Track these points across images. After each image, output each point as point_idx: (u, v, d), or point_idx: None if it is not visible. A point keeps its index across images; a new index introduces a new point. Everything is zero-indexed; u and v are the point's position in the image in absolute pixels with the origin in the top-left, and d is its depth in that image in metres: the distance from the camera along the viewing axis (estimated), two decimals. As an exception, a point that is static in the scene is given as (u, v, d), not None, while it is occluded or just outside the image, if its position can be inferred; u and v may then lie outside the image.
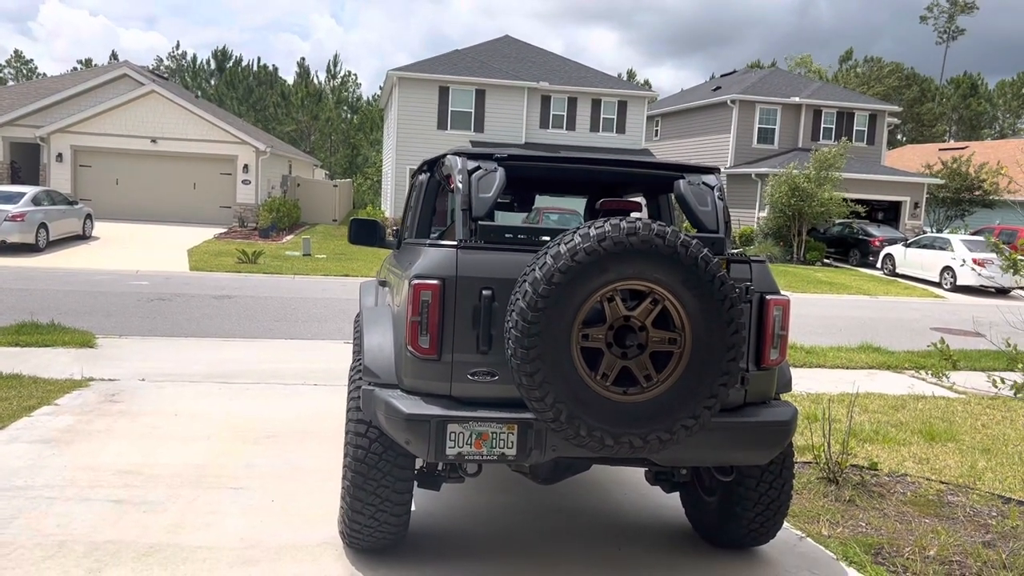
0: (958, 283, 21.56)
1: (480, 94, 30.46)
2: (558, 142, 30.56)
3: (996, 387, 5.86)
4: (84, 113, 26.84)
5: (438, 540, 4.28)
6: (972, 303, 19.52)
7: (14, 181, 26.92)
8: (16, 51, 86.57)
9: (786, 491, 4.05)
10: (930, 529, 4.71)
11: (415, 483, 3.79)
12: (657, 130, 39.38)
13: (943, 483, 5.57)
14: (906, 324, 15.05)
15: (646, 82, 73.46)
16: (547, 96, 31.29)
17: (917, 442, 6.58)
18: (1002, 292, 21.26)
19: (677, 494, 4.63)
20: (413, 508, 4.04)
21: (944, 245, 22.84)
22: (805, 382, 8.30)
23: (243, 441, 5.77)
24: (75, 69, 60.36)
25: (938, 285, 22.35)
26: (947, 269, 22.09)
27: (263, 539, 4.16)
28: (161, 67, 64.68)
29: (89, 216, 21.87)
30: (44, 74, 68.79)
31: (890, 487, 5.41)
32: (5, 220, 17.70)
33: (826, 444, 5.42)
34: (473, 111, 30.52)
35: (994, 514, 5.03)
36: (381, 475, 3.63)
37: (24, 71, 75.31)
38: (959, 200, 36.35)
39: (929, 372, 6.57)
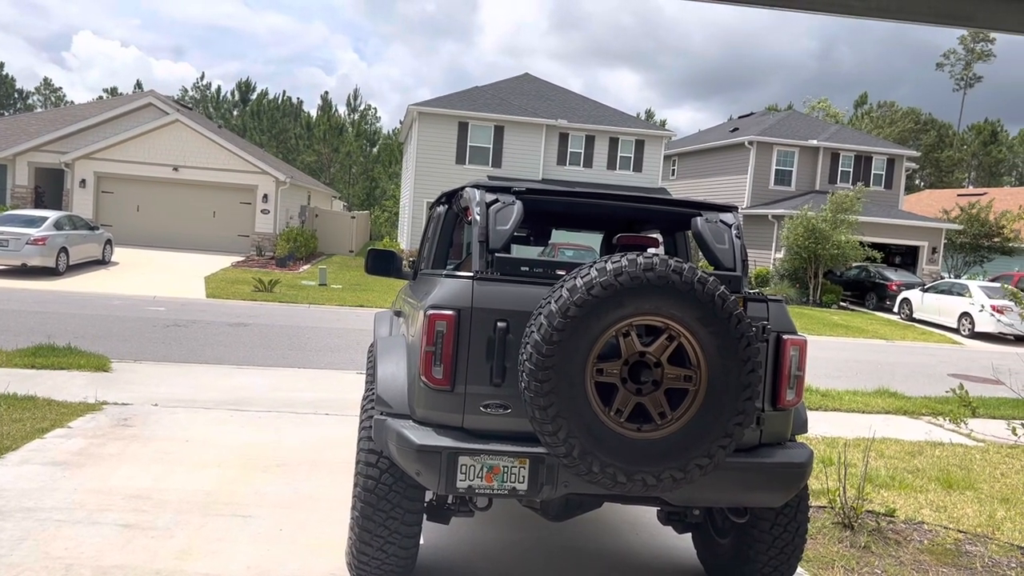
0: (976, 329, 21.35)
1: (499, 130, 30.76)
2: (575, 179, 30.75)
3: (1016, 435, 5.78)
4: (108, 140, 27.26)
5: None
6: (991, 350, 19.29)
7: (38, 205, 27.30)
8: (45, 79, 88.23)
9: (800, 534, 3.98)
10: (948, 579, 4.61)
11: (424, 516, 3.75)
12: (674, 169, 39.52)
13: (961, 532, 5.46)
14: (923, 369, 14.88)
15: (663, 122, 74.06)
16: (565, 133, 31.56)
17: (934, 489, 6.47)
18: (1021, 340, 21.01)
19: (689, 535, 4.56)
20: (422, 542, 4.00)
21: (963, 291, 22.65)
22: (820, 425, 8.20)
23: (253, 469, 5.75)
24: (100, 98, 61.46)
25: (956, 331, 22.14)
26: (965, 315, 21.88)
27: (270, 568, 4.13)
28: (186, 97, 65.78)
29: (109, 241, 22.11)
30: (71, 102, 70.08)
31: (907, 534, 5.31)
32: (27, 243, 17.94)
33: (841, 488, 5.34)
34: (491, 146, 30.81)
35: (1013, 565, 4.92)
36: (390, 506, 3.59)
37: (52, 98, 76.79)
38: (978, 246, 36.05)
39: (947, 418, 6.50)
